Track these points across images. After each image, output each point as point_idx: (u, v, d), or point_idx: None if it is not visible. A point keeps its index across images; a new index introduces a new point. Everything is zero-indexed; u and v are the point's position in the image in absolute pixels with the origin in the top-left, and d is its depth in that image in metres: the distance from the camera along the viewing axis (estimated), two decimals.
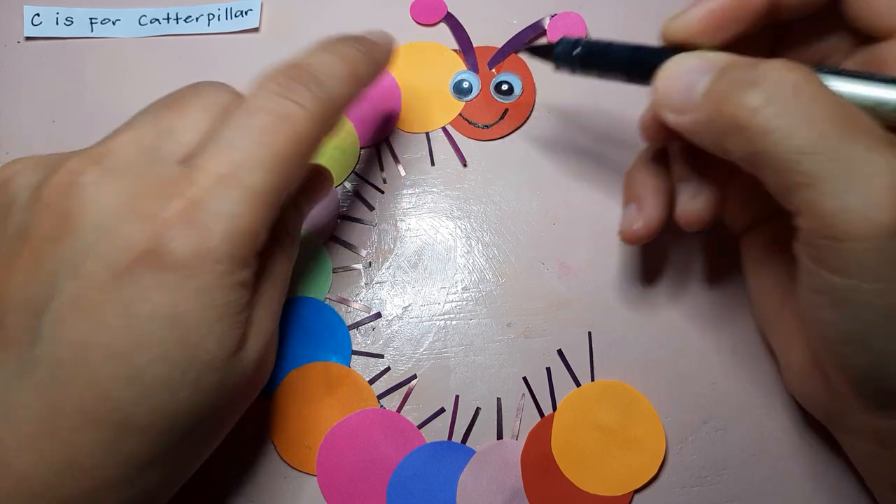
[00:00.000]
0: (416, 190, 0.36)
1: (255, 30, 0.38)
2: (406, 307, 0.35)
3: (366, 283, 0.35)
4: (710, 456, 0.34)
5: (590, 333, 0.34)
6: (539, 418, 0.33)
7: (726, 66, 0.23)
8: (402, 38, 0.38)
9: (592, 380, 0.34)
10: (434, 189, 0.37)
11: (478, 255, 0.36)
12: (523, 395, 0.34)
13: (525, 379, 0.34)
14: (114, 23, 0.38)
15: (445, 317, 0.35)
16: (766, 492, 0.33)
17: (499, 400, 0.34)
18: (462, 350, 0.35)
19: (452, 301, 0.35)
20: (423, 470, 0.33)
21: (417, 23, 0.38)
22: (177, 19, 0.38)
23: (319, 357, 0.34)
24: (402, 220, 0.36)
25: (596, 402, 0.33)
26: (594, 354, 0.34)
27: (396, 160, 0.37)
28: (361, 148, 0.37)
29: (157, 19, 0.38)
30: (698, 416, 0.34)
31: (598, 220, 0.36)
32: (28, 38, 0.38)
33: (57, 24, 0.38)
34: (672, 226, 0.36)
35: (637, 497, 0.33)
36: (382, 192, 0.37)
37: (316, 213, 0.36)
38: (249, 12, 0.38)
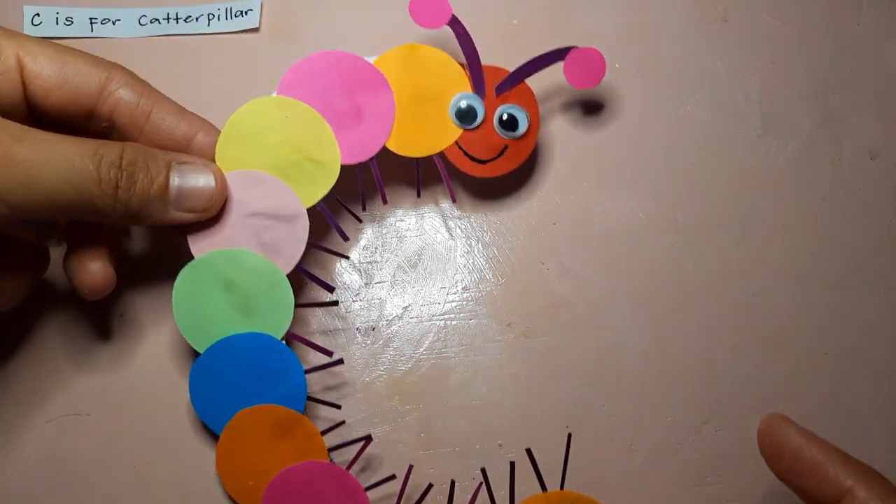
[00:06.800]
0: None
1: (255, 30, 0.38)
2: (406, 307, 0.35)
3: (366, 283, 0.35)
4: (710, 456, 0.34)
5: (570, 435, 0.31)
6: None
7: None
8: (400, 41, 0.34)
9: (562, 487, 0.30)
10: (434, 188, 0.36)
11: (478, 255, 0.36)
12: (480, 483, 0.31)
13: (483, 470, 0.31)
14: (114, 23, 0.38)
15: (445, 317, 0.35)
16: (766, 492, 0.33)
17: (452, 482, 0.31)
18: (462, 350, 0.35)
19: (452, 301, 0.35)
20: None
21: (419, 26, 0.33)
22: (177, 19, 0.38)
23: (271, 400, 0.31)
24: (401, 221, 0.36)
25: None
26: (593, 354, 0.34)
27: (380, 185, 0.33)
28: (343, 165, 0.32)
29: (157, 19, 0.38)
30: (698, 416, 0.34)
31: (598, 220, 0.36)
32: None
33: (57, 24, 0.38)
34: (673, 228, 0.36)
35: (637, 497, 0.33)
36: (361, 221, 0.35)
37: (280, 241, 0.31)
38: (249, 12, 0.38)
